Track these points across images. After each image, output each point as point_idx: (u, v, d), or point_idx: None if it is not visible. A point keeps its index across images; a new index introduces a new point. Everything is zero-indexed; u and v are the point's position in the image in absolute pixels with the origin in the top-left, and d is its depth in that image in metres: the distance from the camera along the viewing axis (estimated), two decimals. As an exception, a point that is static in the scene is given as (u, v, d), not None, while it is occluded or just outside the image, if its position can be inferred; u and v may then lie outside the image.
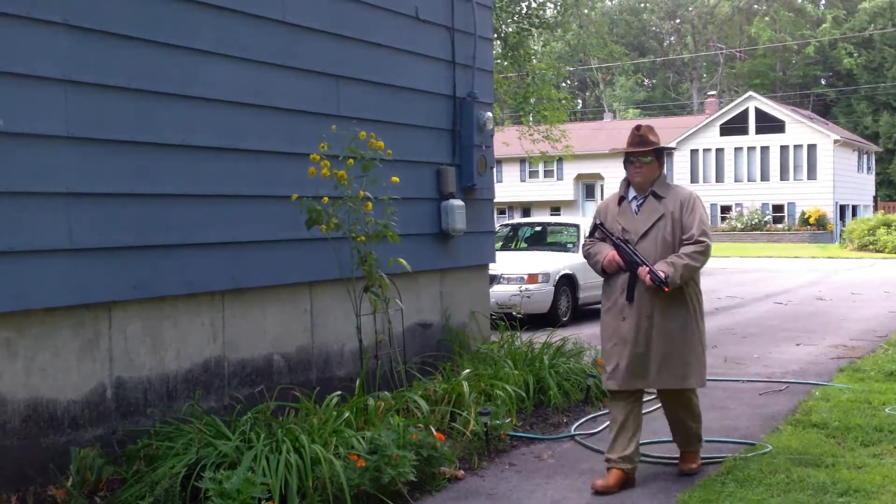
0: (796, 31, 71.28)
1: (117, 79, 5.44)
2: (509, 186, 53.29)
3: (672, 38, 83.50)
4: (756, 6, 76.10)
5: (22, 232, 4.91)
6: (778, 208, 50.47)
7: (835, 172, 49.65)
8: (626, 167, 5.79)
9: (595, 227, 5.88)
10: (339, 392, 6.17)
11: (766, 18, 73.27)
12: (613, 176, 48.76)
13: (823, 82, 74.94)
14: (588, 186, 54.72)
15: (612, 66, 54.60)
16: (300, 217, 6.24)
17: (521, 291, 12.32)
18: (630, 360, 5.62)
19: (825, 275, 25.19)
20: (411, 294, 7.82)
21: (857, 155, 53.92)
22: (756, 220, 49.86)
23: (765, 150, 50.68)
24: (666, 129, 53.08)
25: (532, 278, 13.74)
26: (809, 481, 5.51)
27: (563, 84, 61.17)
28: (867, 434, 6.64)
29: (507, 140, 29.72)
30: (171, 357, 5.83)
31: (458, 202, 8.27)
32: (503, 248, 16.09)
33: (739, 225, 50.07)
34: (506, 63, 22.43)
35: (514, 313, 9.86)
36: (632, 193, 5.81)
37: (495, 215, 9.84)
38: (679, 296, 5.60)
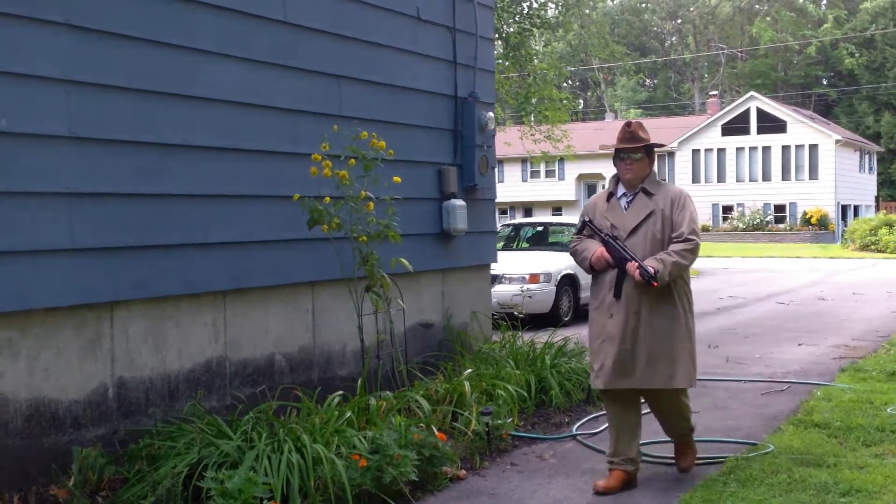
0: (798, 31, 71.26)
1: (118, 79, 5.45)
2: (511, 186, 53.29)
3: (673, 39, 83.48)
4: (757, 6, 76.06)
5: (23, 232, 4.92)
6: (779, 208, 50.46)
7: (836, 172, 49.63)
8: (615, 164, 5.75)
9: (583, 224, 5.81)
10: (340, 392, 6.17)
11: (768, 18, 73.25)
12: (615, 176, 48.66)
13: (825, 82, 74.91)
14: (590, 186, 54.69)
15: (614, 66, 54.58)
16: (302, 217, 6.25)
17: (522, 291, 12.32)
18: (616, 357, 5.54)
19: (827, 275, 25.18)
20: (413, 294, 7.82)
21: (858, 155, 53.89)
22: (758, 220, 49.84)
23: (766, 150, 50.66)
24: (667, 130, 53.13)
25: (534, 278, 13.74)
26: (811, 481, 5.50)
27: (565, 84, 61.18)
28: (869, 434, 6.63)
29: (508, 140, 29.72)
30: (173, 357, 5.83)
31: (459, 202, 8.27)
32: (505, 248, 16.10)
33: (741, 225, 50.05)
34: (507, 63, 22.42)
35: (515, 313, 9.86)
36: (621, 190, 5.76)
37: (497, 215, 9.84)
38: (668, 293, 5.55)
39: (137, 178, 5.56)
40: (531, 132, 25.20)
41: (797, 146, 50.15)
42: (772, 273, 26.19)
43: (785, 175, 50.49)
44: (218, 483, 4.60)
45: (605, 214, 5.71)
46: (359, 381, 6.29)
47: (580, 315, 14.63)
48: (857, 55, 68.48)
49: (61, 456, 5.08)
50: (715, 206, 51.70)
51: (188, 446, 5.17)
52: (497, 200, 9.60)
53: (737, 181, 51.34)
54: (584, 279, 14.34)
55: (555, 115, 24.03)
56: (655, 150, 5.81)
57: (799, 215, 49.62)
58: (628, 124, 5.75)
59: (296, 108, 6.74)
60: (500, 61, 21.95)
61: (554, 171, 54.20)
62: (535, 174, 55.28)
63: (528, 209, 55.27)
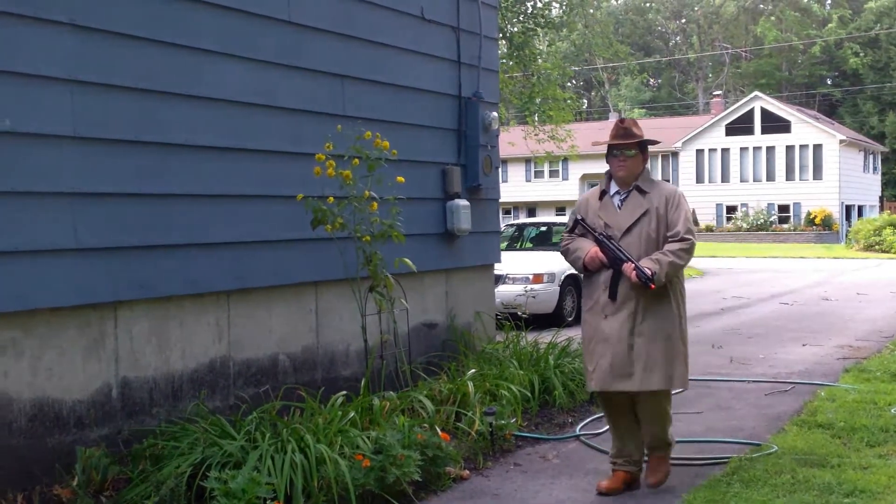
0: (802, 31, 71.20)
1: (122, 78, 5.45)
2: (514, 186, 53.30)
3: (677, 38, 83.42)
4: (762, 6, 76.00)
5: (27, 232, 4.92)
6: (783, 208, 50.44)
7: (840, 172, 49.59)
8: (608, 161, 5.63)
9: (575, 223, 5.68)
10: (344, 392, 6.18)
11: (772, 18, 73.20)
12: (619, 176, 48.64)
13: (829, 82, 74.84)
14: (593, 186, 54.68)
15: (618, 65, 54.60)
16: (305, 217, 6.25)
17: (526, 291, 12.33)
18: (612, 359, 5.42)
19: (831, 275, 25.15)
20: (416, 294, 7.81)
21: (863, 155, 53.84)
22: (762, 221, 49.81)
23: (770, 150, 50.64)
24: (671, 129, 53.14)
25: (537, 278, 13.74)
26: (815, 482, 5.49)
27: (569, 84, 61.19)
28: (873, 434, 6.63)
29: (512, 140, 29.71)
30: (177, 357, 5.83)
31: (463, 202, 8.27)
32: (508, 248, 16.10)
33: (745, 225, 50.03)
34: (511, 63, 22.42)
35: (519, 313, 9.86)
36: (614, 188, 5.64)
37: (500, 215, 9.85)
38: (663, 294, 5.44)
39: (141, 177, 5.56)
40: (535, 132, 25.20)
41: (801, 146, 50.12)
42: (775, 273, 26.16)
43: (789, 175, 50.47)
44: (221, 483, 4.60)
45: (598, 213, 5.60)
46: (362, 382, 6.30)
47: (584, 315, 14.61)
48: (861, 55, 68.43)
49: (65, 456, 5.09)
50: (719, 206, 51.68)
51: (192, 446, 5.17)
52: (501, 200, 9.61)
53: (741, 181, 51.32)
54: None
55: (559, 114, 24.02)
56: (649, 147, 5.72)
57: (803, 215, 49.59)
58: (622, 120, 5.65)
59: (299, 108, 6.74)
60: (504, 61, 21.95)
61: (558, 171, 54.21)
62: (538, 174, 55.29)
63: (531, 209, 55.27)
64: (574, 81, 73.22)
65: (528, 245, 17.04)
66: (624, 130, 5.58)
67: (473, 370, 7.29)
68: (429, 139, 8.13)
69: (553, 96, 23.83)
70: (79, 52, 5.20)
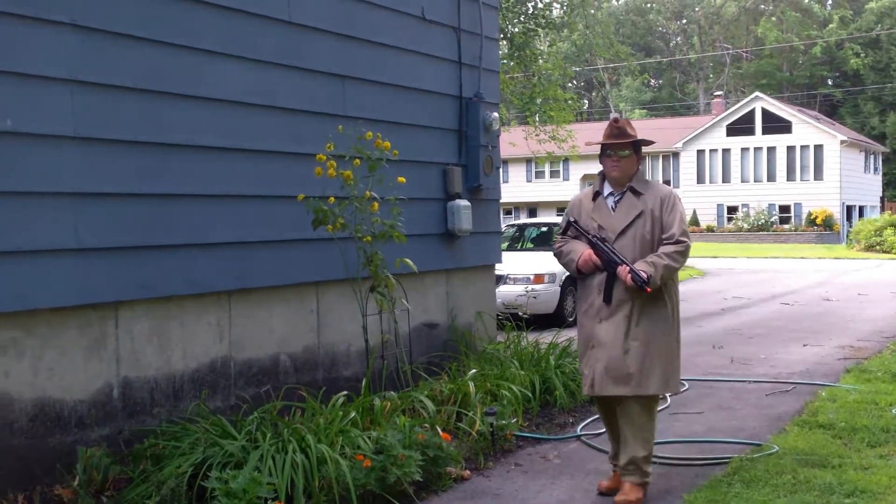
0: (803, 32, 71.20)
1: (123, 79, 5.45)
2: (515, 187, 53.29)
3: (678, 39, 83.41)
4: (762, 6, 76.00)
5: (28, 232, 4.92)
6: (784, 209, 50.43)
7: (841, 173, 49.59)
8: (602, 161, 5.52)
9: (568, 225, 5.58)
10: (345, 392, 6.18)
11: (773, 19, 73.19)
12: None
13: (830, 83, 74.84)
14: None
15: (619, 66, 54.55)
16: (306, 217, 6.25)
17: (527, 292, 12.34)
18: (607, 364, 5.34)
19: (832, 275, 25.15)
20: (417, 294, 7.81)
21: (863, 155, 53.83)
22: (762, 221, 49.80)
23: (771, 150, 50.63)
24: (672, 130, 53.11)
25: (538, 278, 13.74)
26: (816, 482, 5.50)
27: (570, 84, 61.20)
28: (874, 435, 6.63)
29: (513, 140, 29.72)
30: (178, 357, 5.84)
31: (464, 202, 8.27)
32: (509, 249, 16.10)
33: (746, 225, 50.02)
34: (512, 63, 22.42)
35: (520, 313, 9.86)
36: (608, 189, 5.55)
37: (501, 216, 9.84)
38: (658, 296, 5.34)
39: (142, 178, 5.56)
40: (536, 132, 25.21)
41: (802, 147, 50.11)
42: (776, 274, 26.16)
43: (790, 175, 50.46)
44: (222, 483, 4.60)
45: (591, 215, 5.51)
46: (363, 382, 6.30)
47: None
48: (862, 55, 68.43)
49: (66, 456, 5.09)
50: (720, 206, 51.67)
51: (193, 446, 5.18)
52: (501, 201, 9.61)
53: (742, 182, 51.31)
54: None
55: (559, 115, 24.02)
56: (644, 147, 5.62)
57: (804, 216, 49.58)
58: (615, 120, 5.55)
59: (300, 109, 6.74)
60: (505, 61, 21.96)
61: (559, 171, 54.20)
62: (539, 174, 55.27)
63: (532, 209, 55.26)
64: (575, 82, 73.25)
65: (529, 245, 17.05)
66: (618, 130, 5.49)
67: (474, 370, 7.30)
68: (430, 139, 8.13)
69: (554, 97, 23.83)
70: (79, 53, 5.20)
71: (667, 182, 53.02)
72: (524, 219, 42.45)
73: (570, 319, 13.88)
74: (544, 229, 17.59)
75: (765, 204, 50.31)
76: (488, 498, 5.50)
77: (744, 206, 50.94)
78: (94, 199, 5.27)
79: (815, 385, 8.74)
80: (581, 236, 5.50)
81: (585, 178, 53.87)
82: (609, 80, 75.49)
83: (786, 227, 49.78)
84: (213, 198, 6.05)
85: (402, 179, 6.63)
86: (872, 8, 68.93)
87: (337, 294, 7.00)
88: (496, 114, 8.79)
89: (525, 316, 9.75)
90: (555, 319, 13.21)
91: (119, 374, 5.46)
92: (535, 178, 55.48)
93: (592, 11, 27.04)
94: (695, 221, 50.81)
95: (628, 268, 5.23)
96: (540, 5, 23.25)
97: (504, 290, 12.77)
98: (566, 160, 39.88)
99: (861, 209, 52.80)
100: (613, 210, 5.48)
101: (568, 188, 54.61)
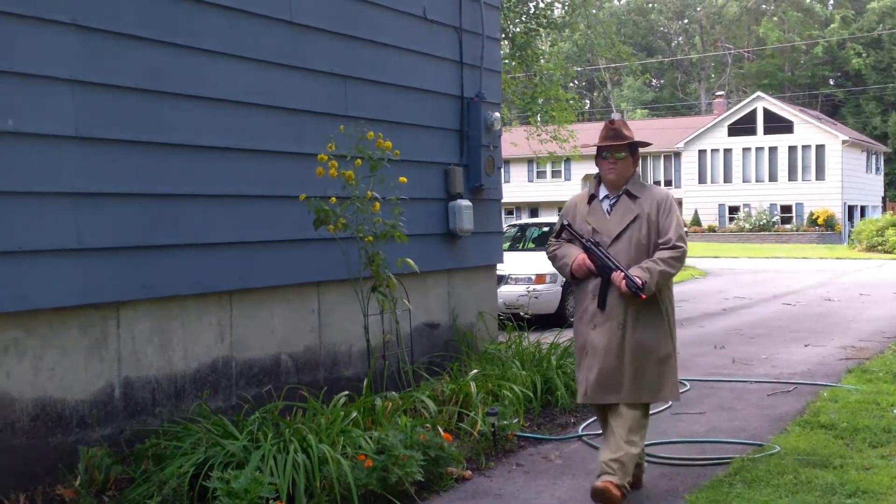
0: (805, 32, 71.17)
1: (125, 79, 5.45)
2: (517, 187, 53.30)
3: (680, 39, 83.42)
4: (764, 6, 75.99)
5: (30, 231, 4.92)
6: (786, 209, 50.42)
7: (843, 173, 49.57)
8: (598, 163, 5.40)
9: (562, 228, 5.46)
10: (346, 392, 6.18)
11: (775, 18, 73.18)
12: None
13: (832, 82, 74.82)
14: (595, 187, 54.59)
15: (620, 66, 54.52)
16: (308, 217, 6.25)
17: (528, 292, 12.32)
18: (600, 371, 5.26)
19: (833, 275, 25.14)
20: (419, 294, 7.81)
21: (865, 155, 53.81)
22: (764, 221, 49.79)
23: (773, 150, 50.61)
24: (674, 130, 53.10)
25: (540, 279, 13.73)
26: (817, 482, 5.49)
27: (571, 84, 61.20)
28: (875, 435, 6.62)
29: (514, 140, 29.72)
30: (179, 357, 5.84)
31: (465, 202, 8.27)
32: (511, 249, 16.09)
33: (747, 225, 50.01)
34: (513, 63, 22.41)
35: (521, 314, 9.86)
36: (603, 192, 5.43)
37: (503, 216, 9.84)
38: (653, 303, 5.24)
39: (143, 178, 5.56)
40: (537, 132, 25.19)
41: (804, 146, 50.09)
42: (778, 274, 26.15)
43: (791, 175, 50.44)
44: (224, 483, 4.60)
45: (586, 218, 5.39)
46: (364, 382, 6.30)
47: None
48: (864, 55, 68.41)
49: (67, 456, 5.09)
50: (721, 206, 51.65)
51: (194, 446, 5.18)
52: (503, 201, 9.61)
53: (743, 182, 51.29)
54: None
55: (561, 115, 24.01)
56: (640, 149, 5.47)
57: (805, 216, 49.57)
58: (611, 121, 5.41)
59: (302, 109, 6.75)
60: (507, 61, 21.95)
61: (560, 171, 54.20)
62: (541, 174, 55.27)
63: (534, 209, 55.26)
64: (576, 82, 73.23)
65: (531, 245, 17.02)
66: (614, 132, 5.36)
67: (476, 370, 7.30)
68: (431, 139, 8.13)
69: (555, 97, 23.82)
70: (81, 53, 5.20)
71: (668, 182, 53.06)
72: (526, 219, 42.44)
73: (572, 319, 13.82)
74: (546, 229, 17.54)
75: (766, 204, 50.29)
76: (490, 498, 5.50)
77: (745, 206, 50.92)
78: (96, 199, 5.28)
79: (816, 385, 8.73)
80: (575, 240, 5.40)
81: (587, 178, 53.86)
82: (611, 80, 75.48)
83: (787, 227, 49.77)
84: (214, 198, 6.05)
85: (403, 179, 6.63)
86: (874, 8, 68.90)
87: (338, 294, 7.00)
88: (498, 114, 8.79)
89: (526, 316, 9.75)
90: (556, 319, 13.20)
91: (120, 373, 5.46)
92: (537, 178, 55.48)
93: (594, 11, 27.03)
94: (696, 221, 50.82)
95: (623, 273, 5.13)
96: (541, 5, 23.24)
97: (505, 290, 12.76)
98: (568, 160, 39.86)
99: (863, 209, 52.79)
100: (609, 214, 5.37)
101: (570, 188, 54.58)
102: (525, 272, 13.80)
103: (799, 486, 5.45)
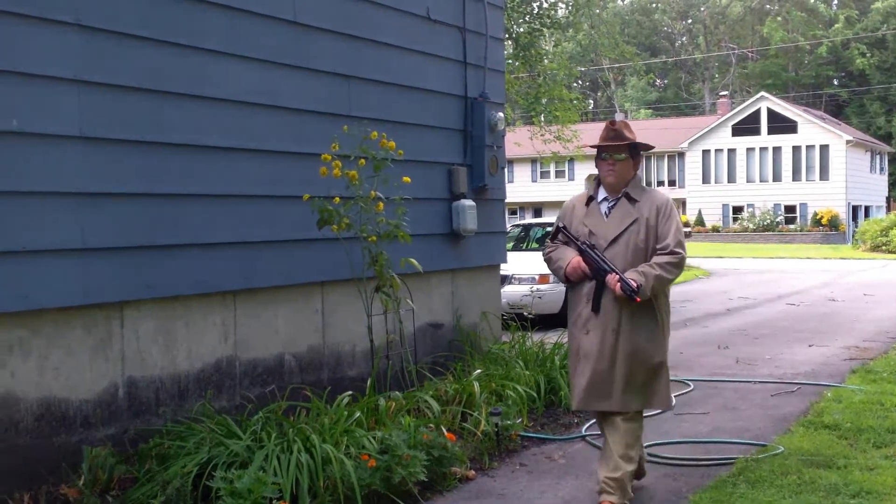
0: (808, 31, 71.12)
1: (128, 79, 5.46)
2: (521, 187, 53.28)
3: (684, 39, 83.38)
4: (768, 6, 75.94)
5: (33, 232, 4.93)
6: (790, 209, 50.38)
7: (847, 173, 49.52)
8: (597, 164, 5.30)
9: (557, 230, 5.36)
10: (350, 392, 6.18)
11: (779, 18, 73.12)
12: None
13: (836, 82, 74.75)
14: (599, 187, 54.54)
15: (624, 66, 54.51)
16: (311, 217, 6.25)
17: (532, 292, 12.30)
18: (591, 377, 5.16)
19: (837, 276, 25.11)
20: (422, 294, 7.82)
21: (869, 155, 53.77)
22: (768, 221, 49.76)
23: (777, 150, 50.58)
24: (678, 130, 53.07)
25: (543, 279, 13.72)
26: (821, 483, 5.49)
27: (575, 84, 61.15)
28: (879, 435, 6.61)
29: (518, 140, 29.68)
30: (183, 357, 5.84)
31: (469, 202, 8.27)
32: (514, 249, 16.08)
33: (751, 226, 49.98)
34: (517, 63, 22.39)
35: (525, 313, 9.85)
36: (602, 194, 5.32)
37: (506, 216, 9.84)
38: (648, 309, 5.12)
39: (147, 177, 5.57)
40: (541, 132, 25.18)
41: (808, 147, 50.06)
42: (782, 274, 26.13)
43: (795, 176, 50.41)
44: (227, 483, 4.61)
45: (583, 220, 5.29)
46: (368, 382, 6.30)
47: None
48: (868, 55, 68.35)
49: (71, 455, 5.10)
50: (725, 206, 51.62)
51: (198, 446, 5.18)
52: (507, 201, 9.60)
53: (747, 182, 51.27)
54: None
55: (565, 115, 23.99)
56: (642, 151, 5.36)
57: (809, 216, 49.53)
58: (612, 122, 5.29)
59: (305, 108, 6.75)
60: (511, 61, 21.94)
61: (564, 171, 54.19)
62: (544, 174, 55.27)
63: (537, 209, 55.25)
64: (580, 82, 73.18)
65: (534, 245, 17.02)
66: (614, 132, 5.24)
67: (479, 370, 7.30)
68: (435, 139, 8.13)
69: (559, 97, 23.80)
70: (84, 52, 5.20)
71: (672, 182, 53.05)
72: (529, 219, 42.42)
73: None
74: (549, 229, 17.54)
75: (770, 204, 50.26)
76: (493, 498, 5.50)
77: (749, 206, 50.89)
78: (99, 199, 5.28)
79: (820, 385, 8.73)
80: (570, 242, 5.30)
81: (590, 179, 53.72)
82: (614, 80, 75.47)
83: (791, 227, 49.73)
84: (217, 198, 6.05)
85: (407, 179, 6.63)
86: (878, 8, 68.84)
87: (342, 294, 7.00)
88: (501, 114, 8.79)
89: (530, 316, 9.75)
90: (560, 319, 13.09)
91: (124, 373, 5.47)
92: (541, 178, 55.48)
93: (598, 11, 27.00)
94: (700, 222, 50.79)
95: (618, 276, 5.01)
96: (545, 5, 23.24)
97: (509, 290, 12.75)
98: (571, 160, 39.81)
99: (867, 209, 52.74)
100: (606, 216, 5.26)
101: (573, 188, 54.55)
102: (528, 272, 13.79)
103: (802, 487, 5.45)
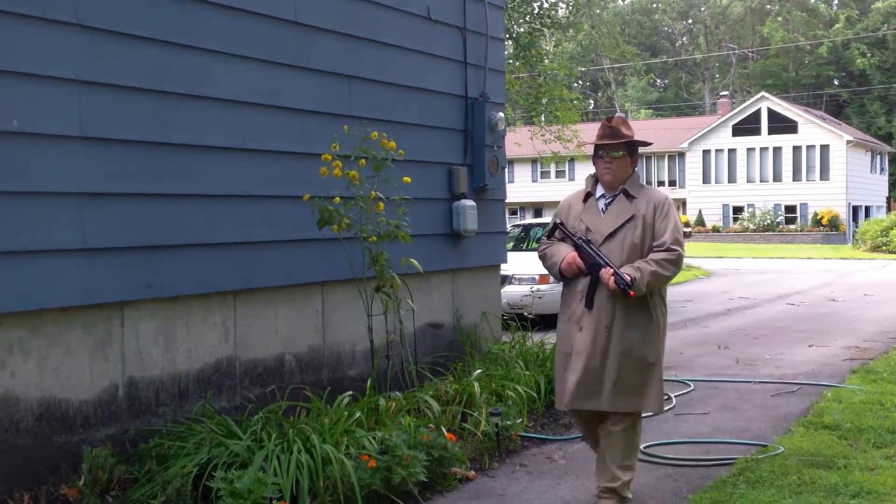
0: (809, 32, 71.11)
1: (129, 79, 5.46)
2: (521, 187, 53.26)
3: (684, 39, 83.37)
4: (769, 6, 75.92)
5: (34, 232, 4.93)
6: (790, 209, 50.37)
7: (847, 173, 49.51)
8: (594, 162, 5.24)
9: (554, 227, 5.27)
10: (350, 392, 6.18)
11: (779, 18, 73.12)
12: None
13: (836, 82, 74.74)
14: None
15: (624, 66, 54.56)
16: (312, 217, 6.25)
17: (532, 292, 12.29)
18: (582, 375, 5.03)
19: (838, 276, 25.11)
20: (422, 294, 7.82)
21: (870, 155, 53.76)
22: (768, 221, 49.75)
23: (777, 150, 50.57)
24: (678, 130, 53.07)
25: (543, 279, 13.71)
26: (821, 483, 5.49)
27: (575, 84, 61.15)
28: (879, 436, 6.62)
29: (518, 140, 29.70)
30: (183, 357, 5.84)
31: (469, 202, 8.26)
32: (515, 249, 16.08)
33: (752, 226, 49.97)
34: (518, 63, 22.40)
35: (525, 314, 9.85)
36: (600, 191, 5.26)
37: (507, 216, 9.84)
38: (643, 306, 5.03)
39: (148, 178, 5.57)
40: (541, 132, 25.17)
41: (808, 147, 50.05)
42: (782, 274, 26.12)
43: (796, 176, 50.40)
44: (227, 483, 4.61)
45: (579, 216, 5.23)
46: (368, 382, 6.30)
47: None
48: (868, 55, 68.34)
49: (71, 455, 5.10)
50: (725, 206, 51.61)
51: (198, 446, 5.18)
52: (507, 201, 9.60)
53: (747, 182, 51.25)
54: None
55: (565, 115, 23.99)
56: (640, 149, 5.31)
57: (810, 216, 49.52)
58: (609, 119, 5.25)
59: (306, 109, 6.75)
60: (511, 61, 21.94)
61: (564, 171, 54.15)
62: (545, 174, 55.24)
63: (538, 210, 55.23)
64: (580, 82, 73.18)
65: (535, 245, 16.97)
66: (611, 129, 5.19)
67: (479, 371, 7.30)
68: (435, 139, 8.13)
69: (559, 97, 23.80)
70: (85, 53, 5.20)
71: (672, 182, 53.04)
72: (530, 219, 42.43)
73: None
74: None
75: (770, 204, 50.25)
76: (493, 498, 5.50)
77: (749, 206, 50.87)
78: (100, 199, 5.28)
79: (820, 386, 8.73)
80: (567, 238, 5.23)
81: (590, 179, 53.78)
82: (615, 80, 75.46)
83: (791, 227, 49.72)
84: (218, 198, 6.05)
85: (407, 179, 6.63)
86: (879, 8, 68.83)
87: (342, 294, 7.00)
88: (501, 114, 8.79)
89: (530, 316, 9.75)
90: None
91: (124, 373, 5.47)
92: (541, 178, 55.45)
93: (598, 11, 27.04)
94: (700, 222, 50.78)
95: (612, 270, 4.93)
96: (546, 5, 23.24)
97: (509, 291, 12.76)
98: (572, 160, 39.77)
99: (867, 209, 52.73)
100: (603, 213, 5.20)
101: (573, 188, 53.89)
102: (529, 272, 13.79)
103: (803, 487, 5.45)
